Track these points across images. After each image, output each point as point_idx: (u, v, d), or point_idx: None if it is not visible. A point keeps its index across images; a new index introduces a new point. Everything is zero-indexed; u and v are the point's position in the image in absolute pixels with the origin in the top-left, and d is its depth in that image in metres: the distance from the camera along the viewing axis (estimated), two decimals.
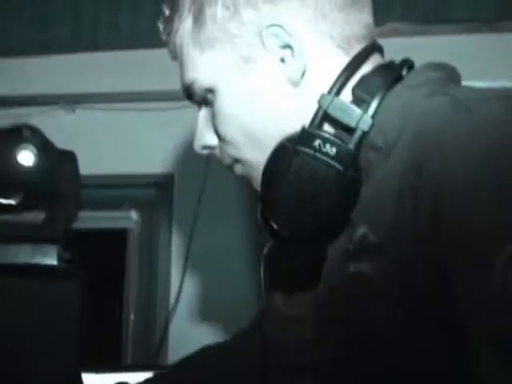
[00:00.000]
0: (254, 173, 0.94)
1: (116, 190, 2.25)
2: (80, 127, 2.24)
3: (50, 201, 1.94)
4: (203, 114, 0.98)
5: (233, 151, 0.96)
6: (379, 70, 0.90)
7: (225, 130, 0.94)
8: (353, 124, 0.85)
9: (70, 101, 2.27)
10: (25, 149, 1.87)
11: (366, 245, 0.81)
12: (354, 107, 0.86)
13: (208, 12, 0.91)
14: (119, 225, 2.29)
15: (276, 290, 1.08)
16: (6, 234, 1.86)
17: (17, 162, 1.85)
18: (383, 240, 0.79)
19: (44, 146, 1.92)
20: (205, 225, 2.10)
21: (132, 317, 2.24)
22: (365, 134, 0.85)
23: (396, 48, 2.07)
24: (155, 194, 2.24)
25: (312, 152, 0.83)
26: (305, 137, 0.84)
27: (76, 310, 1.97)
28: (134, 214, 2.29)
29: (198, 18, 0.91)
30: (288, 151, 0.85)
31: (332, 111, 0.86)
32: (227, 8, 0.90)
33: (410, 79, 0.89)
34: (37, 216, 1.96)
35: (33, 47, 2.33)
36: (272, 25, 0.88)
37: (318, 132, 0.85)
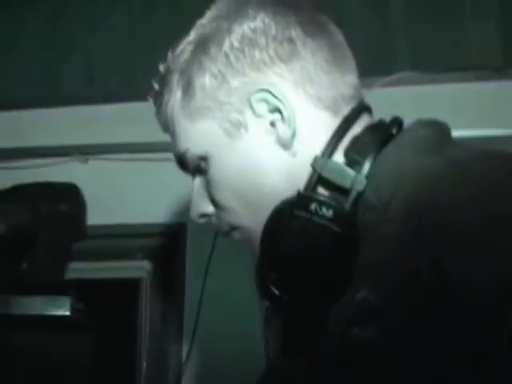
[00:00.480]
0: (252, 238, 0.94)
1: (129, 239, 2.26)
2: (93, 178, 2.26)
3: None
4: (197, 182, 0.98)
5: (229, 218, 0.96)
6: (370, 130, 0.91)
7: (220, 197, 0.95)
8: (347, 185, 0.86)
9: (83, 152, 2.30)
10: None
11: (367, 308, 0.80)
12: (347, 169, 0.86)
13: (197, 82, 0.92)
14: (132, 275, 2.29)
15: (276, 353, 1.07)
16: (19, 286, 1.88)
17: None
18: (385, 303, 0.79)
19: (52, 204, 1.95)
20: (218, 274, 2.09)
21: (144, 365, 2.23)
22: (360, 194, 0.85)
23: (404, 97, 2.11)
24: (168, 243, 2.25)
25: (309, 215, 0.84)
26: (301, 200, 0.85)
27: (88, 359, 1.97)
28: (146, 264, 2.30)
29: (188, 89, 0.93)
30: (285, 215, 0.85)
31: (326, 174, 0.87)
32: (215, 77, 0.91)
33: (401, 138, 0.90)
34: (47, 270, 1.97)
35: (46, 99, 2.37)
36: (260, 90, 0.90)
37: (313, 195, 0.86)
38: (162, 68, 0.97)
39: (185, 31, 0.99)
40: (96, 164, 2.30)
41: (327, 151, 0.88)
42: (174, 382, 2.12)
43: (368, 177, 0.86)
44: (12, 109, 2.38)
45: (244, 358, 2.00)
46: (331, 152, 0.88)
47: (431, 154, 0.83)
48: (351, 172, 0.86)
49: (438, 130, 0.91)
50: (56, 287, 1.88)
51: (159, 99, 0.97)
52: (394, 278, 0.78)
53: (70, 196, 1.93)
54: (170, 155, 1.00)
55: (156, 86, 0.98)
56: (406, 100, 2.12)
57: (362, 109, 0.94)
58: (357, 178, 0.85)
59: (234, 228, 0.97)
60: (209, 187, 0.96)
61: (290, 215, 0.84)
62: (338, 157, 0.89)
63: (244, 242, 0.98)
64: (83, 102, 2.34)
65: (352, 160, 0.87)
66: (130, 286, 2.25)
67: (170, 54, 0.97)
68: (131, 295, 2.23)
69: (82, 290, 2.02)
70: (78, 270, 2.05)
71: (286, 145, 0.90)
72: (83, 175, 2.25)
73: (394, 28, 2.16)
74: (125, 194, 2.26)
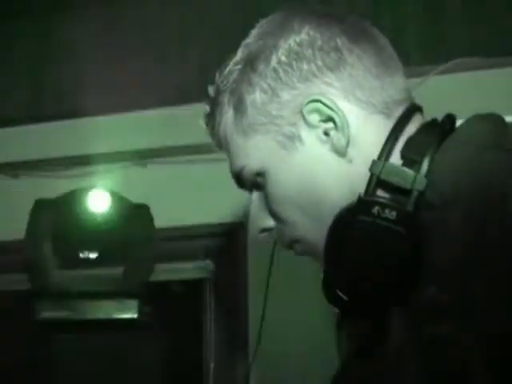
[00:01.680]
0: (316, 249, 0.93)
1: (191, 240, 2.28)
2: (152, 181, 2.29)
3: (125, 254, 2.00)
4: (256, 197, 0.98)
5: (290, 231, 0.96)
6: (424, 129, 0.91)
7: (280, 210, 0.95)
8: (408, 186, 0.85)
9: (142, 156, 2.33)
10: (98, 201, 1.94)
11: (439, 306, 0.80)
12: (406, 169, 0.86)
13: (248, 99, 0.93)
14: (195, 275, 2.31)
15: (348, 357, 1.07)
16: (88, 291, 1.92)
17: (91, 215, 1.92)
18: (456, 301, 0.79)
19: (116, 200, 1.99)
20: (281, 270, 2.09)
21: (212, 365, 2.24)
22: (421, 194, 0.85)
23: (463, 83, 2.08)
24: (229, 243, 2.26)
25: (372, 219, 0.84)
26: (362, 205, 0.85)
27: (157, 360, 2.00)
28: (209, 264, 2.31)
29: (239, 107, 0.94)
30: (348, 221, 0.86)
31: (385, 176, 0.87)
32: (265, 92, 0.92)
33: (457, 134, 0.89)
34: (115, 270, 2.01)
35: (105, 106, 2.42)
36: (311, 101, 0.91)
37: (374, 198, 0.86)
38: (211, 90, 0.98)
39: None
40: (155, 168, 2.33)
41: (384, 154, 0.88)
42: (242, 382, 2.13)
43: (428, 176, 0.85)
44: (72, 117, 2.43)
45: (309, 356, 2.00)
46: (388, 154, 0.88)
47: (490, 149, 0.83)
48: (410, 172, 0.86)
49: (494, 123, 0.90)
50: (123, 291, 1.91)
51: (212, 120, 0.98)
52: (459, 276, 0.78)
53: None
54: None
55: (207, 108, 0.99)
56: (464, 86, 2.09)
57: (414, 109, 0.94)
58: (416, 178, 0.85)
59: (296, 241, 0.97)
60: (268, 201, 0.96)
61: (353, 220, 0.85)
62: (395, 158, 0.89)
63: (307, 254, 0.98)
64: (137, 108, 2.38)
65: (410, 160, 0.87)
66: (194, 286, 2.27)
67: (217, 75, 0.98)
68: (195, 295, 2.25)
69: (147, 293, 2.04)
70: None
71: (341, 152, 0.90)
72: (143, 179, 2.28)
73: (452, 14, 2.14)
74: (184, 196, 2.29)
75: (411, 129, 0.91)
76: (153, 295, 2.05)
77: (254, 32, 0.97)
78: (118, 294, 1.89)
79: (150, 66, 2.42)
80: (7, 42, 2.61)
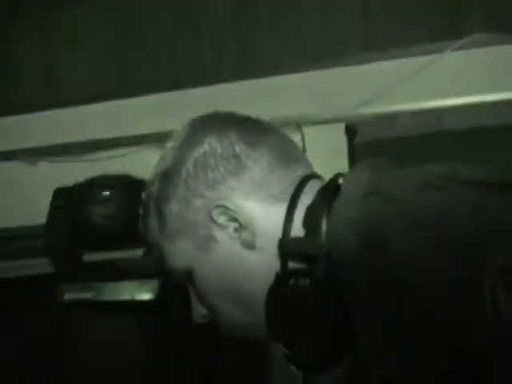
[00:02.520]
0: (253, 330, 1.04)
1: None
2: None
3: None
4: (191, 289, 1.08)
5: (220, 318, 1.06)
6: (318, 195, 1.01)
7: (207, 302, 1.06)
8: (313, 253, 0.96)
9: (161, 139, 2.35)
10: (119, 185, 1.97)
11: (374, 349, 0.91)
12: (308, 239, 0.97)
13: (166, 209, 1.04)
14: None
15: None
16: (109, 273, 1.95)
17: (111, 200, 1.95)
18: (384, 341, 0.89)
19: (136, 184, 2.01)
20: None
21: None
22: (326, 255, 0.95)
23: (478, 59, 2.07)
24: None
25: (290, 291, 0.96)
26: (279, 281, 0.97)
27: (177, 341, 2.02)
28: None
29: (160, 217, 1.05)
30: (272, 299, 0.97)
31: (293, 249, 0.98)
32: (179, 202, 1.03)
33: (342, 192, 0.98)
34: (135, 252, 2.04)
35: (119, 90, 2.44)
36: (217, 206, 1.02)
37: (288, 272, 0.97)
38: (143, 195, 1.09)
39: None
40: None
41: (286, 231, 0.99)
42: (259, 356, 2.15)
43: (327, 237, 0.95)
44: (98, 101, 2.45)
45: None
46: (288, 231, 0.99)
47: (366, 198, 0.93)
48: (312, 241, 0.96)
49: (371, 171, 0.99)
50: (144, 272, 1.93)
51: (143, 224, 1.09)
52: (381, 318, 0.89)
53: None
54: None
55: (141, 211, 1.10)
56: (479, 62, 2.08)
57: (306, 180, 1.04)
58: (318, 243, 0.95)
59: (228, 327, 1.07)
60: (197, 295, 1.07)
61: (275, 297, 0.97)
62: (298, 231, 0.99)
63: (247, 336, 1.08)
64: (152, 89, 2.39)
65: (310, 228, 0.98)
66: None
67: (148, 182, 1.09)
68: None
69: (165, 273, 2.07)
70: None
71: (250, 245, 1.01)
72: None
73: None
74: None
75: (309, 199, 1.01)
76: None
77: (168, 145, 1.09)
78: (138, 275, 1.92)
79: (165, 47, 2.43)
80: (21, 29, 2.62)
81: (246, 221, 1.01)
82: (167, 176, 1.05)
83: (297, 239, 0.98)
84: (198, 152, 1.04)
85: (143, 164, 2.16)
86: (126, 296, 1.90)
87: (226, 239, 1.02)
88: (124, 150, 2.33)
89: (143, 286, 1.91)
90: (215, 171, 1.03)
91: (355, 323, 0.94)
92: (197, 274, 1.04)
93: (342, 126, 2.17)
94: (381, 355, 0.91)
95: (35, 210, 2.51)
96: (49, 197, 2.30)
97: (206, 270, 1.03)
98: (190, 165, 1.04)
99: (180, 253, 1.04)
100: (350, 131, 2.13)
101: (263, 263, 1.01)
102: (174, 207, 1.04)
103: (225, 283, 1.02)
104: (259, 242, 1.01)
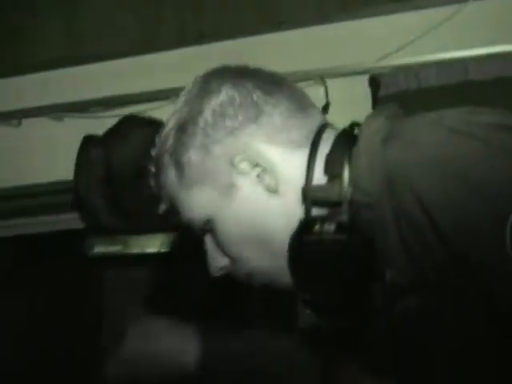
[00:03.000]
0: (272, 278, 1.06)
1: None
2: None
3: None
4: (209, 240, 1.09)
5: (244, 266, 1.07)
6: (337, 143, 1.02)
7: (230, 250, 1.06)
8: (337, 198, 0.97)
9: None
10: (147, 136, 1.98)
11: (399, 285, 0.94)
12: (331, 184, 0.99)
13: (184, 159, 1.05)
14: None
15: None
16: (137, 225, 1.97)
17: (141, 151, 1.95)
18: (409, 277, 0.92)
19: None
20: None
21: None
22: (350, 201, 0.97)
23: (502, 7, 2.04)
24: None
25: (316, 237, 0.97)
26: (304, 227, 0.98)
27: (203, 290, 2.05)
28: None
29: (178, 167, 1.06)
30: (297, 246, 0.98)
31: (315, 197, 0.99)
32: (198, 150, 1.04)
33: (361, 138, 0.99)
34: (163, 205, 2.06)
35: (136, 47, 2.43)
36: (239, 152, 1.03)
37: (312, 218, 0.99)
38: (153, 153, 1.10)
39: None
40: None
41: (308, 178, 1.00)
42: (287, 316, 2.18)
43: (351, 183, 0.97)
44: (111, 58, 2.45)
45: None
46: (311, 177, 1.00)
47: (390, 140, 0.94)
48: (335, 186, 0.98)
49: (387, 117, 1.00)
50: (170, 225, 1.96)
51: (157, 180, 1.10)
52: (405, 254, 0.91)
53: None
54: None
55: (152, 169, 1.11)
56: (504, 11, 2.05)
57: (323, 129, 1.05)
58: (342, 189, 0.97)
59: (250, 275, 1.08)
60: (218, 244, 1.07)
61: (300, 243, 0.97)
62: (320, 179, 1.00)
63: (265, 284, 1.09)
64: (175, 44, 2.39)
65: (332, 174, 0.99)
66: None
67: (157, 140, 1.09)
68: None
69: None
70: None
71: (272, 190, 1.02)
72: None
73: None
74: None
75: (327, 147, 1.02)
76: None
77: (181, 99, 1.09)
78: (164, 228, 1.94)
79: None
80: None
81: (269, 166, 1.02)
82: (183, 127, 1.05)
83: (320, 186, 1.00)
84: (214, 102, 1.04)
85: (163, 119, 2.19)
86: (152, 249, 1.93)
87: (248, 186, 1.03)
88: (149, 105, 2.34)
89: (168, 238, 1.93)
90: (234, 119, 1.03)
91: (379, 266, 0.96)
92: (218, 223, 1.04)
93: (365, 79, 2.16)
94: (406, 294, 0.93)
95: (60, 166, 2.55)
96: (74, 153, 2.33)
97: (229, 218, 1.04)
98: (207, 114, 1.04)
99: (200, 203, 1.05)
100: (374, 83, 2.11)
101: (286, 209, 1.02)
102: (192, 156, 1.04)
103: (248, 230, 1.03)
104: (282, 187, 1.02)
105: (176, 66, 2.36)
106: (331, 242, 0.96)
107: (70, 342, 2.40)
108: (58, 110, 2.55)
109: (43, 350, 2.74)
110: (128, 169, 1.93)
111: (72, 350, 2.29)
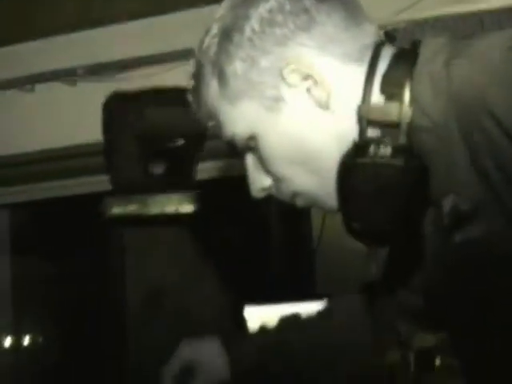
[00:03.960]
0: (316, 199, 1.01)
1: None
2: None
3: (189, 150, 2.05)
4: (250, 159, 1.03)
5: (288, 186, 1.01)
6: (395, 62, 0.95)
7: (275, 168, 1.00)
8: (396, 119, 0.91)
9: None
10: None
11: (461, 213, 0.88)
12: (390, 104, 0.92)
13: (228, 70, 0.98)
14: None
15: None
16: (156, 185, 1.98)
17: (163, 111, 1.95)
18: (475, 203, 0.86)
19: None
20: None
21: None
22: (410, 123, 0.91)
23: None
24: None
25: (370, 160, 0.90)
26: (359, 149, 0.92)
27: (218, 251, 2.06)
28: None
29: (221, 78, 0.99)
30: (350, 167, 0.92)
31: (372, 116, 0.93)
32: (244, 61, 0.97)
33: (423, 58, 0.93)
34: (185, 165, 2.06)
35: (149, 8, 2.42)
36: (288, 63, 0.96)
37: (367, 140, 0.92)
38: (193, 64, 1.03)
39: None
40: None
41: (366, 96, 0.94)
42: (306, 267, 2.20)
43: (411, 104, 0.91)
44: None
45: None
46: (369, 95, 0.94)
47: (455, 60, 0.88)
48: (395, 106, 0.91)
49: (446, 38, 0.94)
50: (186, 185, 1.97)
51: (198, 94, 1.03)
52: (472, 178, 0.86)
53: None
54: None
55: (192, 82, 1.03)
56: None
57: (381, 46, 0.98)
58: (402, 110, 0.91)
59: (295, 195, 1.02)
60: (262, 162, 1.01)
61: (354, 165, 0.91)
62: (377, 97, 0.94)
63: (309, 205, 1.03)
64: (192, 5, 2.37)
65: (391, 94, 0.93)
66: None
67: (197, 50, 1.02)
68: None
69: (209, 188, 2.10)
70: (205, 169, 2.13)
71: (324, 105, 0.96)
72: None
73: None
74: None
75: (384, 65, 0.95)
76: (216, 189, 2.11)
77: (224, 5, 1.01)
78: (183, 188, 1.95)
79: None
80: None
81: (320, 79, 0.96)
82: (228, 35, 0.98)
83: (378, 105, 0.93)
84: (263, 8, 0.97)
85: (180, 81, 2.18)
86: (170, 209, 1.94)
87: (296, 99, 0.97)
88: (163, 67, 2.33)
89: (187, 197, 1.94)
90: (284, 27, 0.96)
91: (437, 192, 0.91)
92: (263, 139, 0.99)
93: (380, 33, 2.14)
94: (470, 222, 0.88)
95: (74, 131, 2.56)
96: (88, 117, 2.33)
97: (274, 133, 0.98)
98: (254, 22, 0.97)
99: (244, 117, 0.99)
100: (390, 38, 2.09)
101: (337, 126, 0.96)
102: (237, 67, 0.97)
103: (294, 147, 0.98)
104: (333, 103, 0.96)
105: (190, 27, 2.34)
106: (387, 167, 0.90)
107: (94, 301, 2.43)
108: (71, 75, 2.55)
109: (67, 311, 2.78)
110: (159, 128, 1.93)
111: (97, 310, 2.32)
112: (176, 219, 1.95)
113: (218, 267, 2.03)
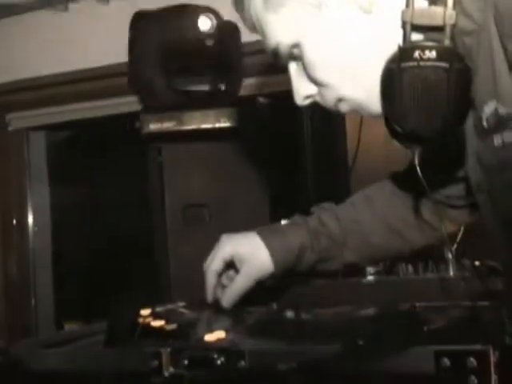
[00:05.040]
0: (361, 105, 1.01)
1: None
2: None
3: (223, 68, 2.03)
4: (293, 68, 1.04)
5: (333, 92, 1.02)
6: None
7: (320, 74, 1.01)
8: (440, 23, 0.92)
9: None
10: (204, 16, 1.95)
11: (501, 117, 0.88)
12: (434, 7, 0.93)
13: None
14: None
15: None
16: (193, 102, 1.97)
17: (197, 31, 1.94)
18: None
19: (216, 18, 1.99)
20: None
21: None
22: (453, 26, 0.91)
23: None
24: None
25: (416, 63, 0.91)
26: (404, 53, 0.92)
27: (265, 167, 2.06)
28: None
29: None
30: (395, 71, 0.93)
31: (417, 20, 0.93)
32: None
33: None
34: (215, 82, 2.05)
35: None
36: None
37: (412, 44, 0.93)
38: None
39: None
40: None
41: (409, 0, 0.93)
42: (341, 188, 2.19)
43: (455, 7, 0.91)
44: None
45: None
46: (412, 0, 0.93)
47: None
48: (439, 9, 0.92)
49: None
50: (224, 101, 1.96)
51: (242, 4, 1.04)
52: (510, 87, 0.87)
53: None
54: None
55: None
56: None
57: None
58: (446, 13, 0.91)
59: (339, 100, 1.03)
60: (307, 69, 1.02)
61: (400, 69, 0.92)
62: (420, 2, 0.94)
63: (353, 110, 1.04)
64: None
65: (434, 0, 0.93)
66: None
67: None
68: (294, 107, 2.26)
69: (249, 103, 2.09)
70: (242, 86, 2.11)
71: (366, 9, 0.96)
72: None
73: None
74: None
75: None
76: (252, 105, 2.09)
77: None
78: (219, 104, 1.94)
79: None
80: None
81: None
82: None
83: (422, 9, 0.94)
84: None
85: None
86: (207, 124, 1.94)
87: (339, 4, 0.98)
88: None
89: (223, 113, 1.93)
90: None
91: (479, 96, 0.92)
92: (307, 44, 1.00)
93: None
94: (506, 125, 0.88)
95: (108, 50, 2.54)
96: (122, 36, 2.31)
97: (318, 39, 0.99)
98: None
99: (288, 24, 1.00)
100: None
101: (380, 31, 0.97)
102: None
103: (338, 52, 0.99)
104: (376, 6, 0.97)
105: None
106: (432, 69, 0.91)
107: (134, 218, 2.47)
108: None
109: (109, 228, 2.84)
110: (185, 44, 1.91)
111: (136, 228, 2.36)
112: (213, 135, 1.94)
113: (253, 183, 2.04)
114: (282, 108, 2.22)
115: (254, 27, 1.05)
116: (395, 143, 0.99)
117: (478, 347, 0.69)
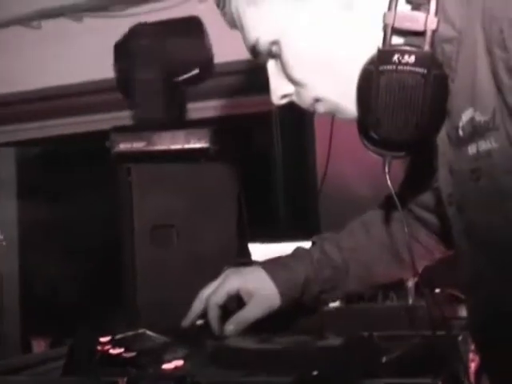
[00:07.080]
0: (337, 106, 1.01)
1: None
2: None
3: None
4: (272, 66, 1.03)
5: (310, 92, 1.01)
6: None
7: (297, 74, 1.00)
8: (421, 28, 0.91)
9: None
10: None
11: (477, 125, 0.88)
12: (416, 13, 0.92)
13: None
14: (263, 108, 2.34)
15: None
16: (161, 122, 1.97)
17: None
18: (492, 116, 0.85)
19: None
20: None
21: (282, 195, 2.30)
22: (434, 32, 0.91)
23: None
24: None
25: (394, 67, 0.91)
26: (382, 55, 0.92)
27: (228, 188, 2.06)
28: None
29: None
30: (373, 73, 0.92)
31: (398, 24, 0.92)
32: None
33: None
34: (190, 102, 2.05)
35: None
36: None
37: (392, 47, 0.92)
38: None
39: None
40: None
41: (392, 3, 0.93)
42: (312, 206, 2.20)
43: (437, 14, 0.91)
44: None
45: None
46: (396, 3, 0.93)
47: None
48: (421, 15, 0.91)
49: None
50: (194, 122, 1.96)
51: (222, 0, 1.03)
52: (491, 89, 0.85)
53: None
54: None
55: None
56: None
57: None
58: (428, 18, 0.91)
59: (316, 100, 1.02)
60: (285, 66, 1.01)
61: (378, 72, 0.91)
62: (402, 6, 0.94)
63: (329, 111, 1.03)
64: None
65: (417, 3, 0.93)
66: (263, 118, 2.29)
67: None
68: (265, 128, 2.28)
69: (219, 124, 2.09)
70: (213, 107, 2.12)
71: (347, 5, 0.96)
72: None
73: None
74: None
75: None
76: (224, 127, 2.10)
77: None
78: (190, 124, 1.95)
79: None
80: None
81: None
82: None
83: (405, 13, 0.93)
84: None
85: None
86: (177, 145, 1.93)
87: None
88: (170, 2, 2.30)
89: (194, 134, 1.93)
90: None
91: (455, 104, 0.92)
92: (286, 41, 0.99)
93: None
94: (481, 134, 0.87)
95: (80, 67, 2.54)
96: (95, 53, 2.31)
97: (298, 35, 0.98)
98: None
99: (268, 18, 0.99)
100: None
101: (361, 31, 0.97)
102: None
103: (318, 49, 0.98)
104: (356, 4, 0.96)
105: None
106: (409, 74, 0.90)
107: (100, 236, 2.45)
108: (77, 11, 2.52)
109: (76, 245, 2.81)
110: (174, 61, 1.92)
111: (104, 247, 2.34)
112: (183, 156, 1.94)
113: (222, 205, 2.03)
114: (252, 129, 2.25)
115: (233, 23, 1.04)
116: (368, 152, 0.98)
117: (428, 380, 0.70)
